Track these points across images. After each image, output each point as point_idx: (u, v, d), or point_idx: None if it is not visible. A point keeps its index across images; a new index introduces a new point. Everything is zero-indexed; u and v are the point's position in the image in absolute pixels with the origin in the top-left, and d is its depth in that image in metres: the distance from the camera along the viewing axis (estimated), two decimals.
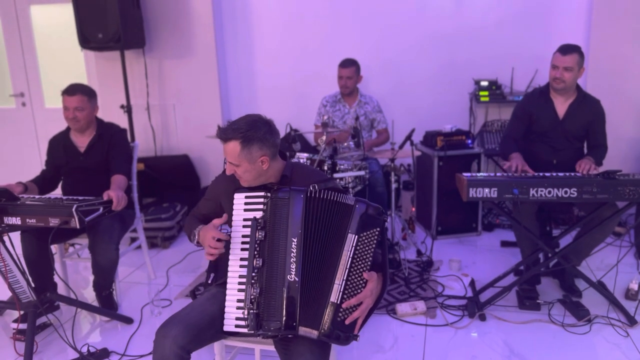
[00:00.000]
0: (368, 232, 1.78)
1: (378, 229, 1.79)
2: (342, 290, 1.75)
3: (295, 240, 1.75)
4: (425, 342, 2.69)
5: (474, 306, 2.92)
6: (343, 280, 1.75)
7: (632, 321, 2.75)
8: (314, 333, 1.74)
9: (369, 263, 1.79)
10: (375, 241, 1.79)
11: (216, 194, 2.06)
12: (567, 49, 2.99)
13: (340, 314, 1.74)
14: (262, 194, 1.83)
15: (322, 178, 2.00)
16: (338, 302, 1.74)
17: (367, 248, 1.77)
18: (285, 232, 1.76)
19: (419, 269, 3.50)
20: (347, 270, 1.75)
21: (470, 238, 4.10)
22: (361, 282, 1.77)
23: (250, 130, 1.82)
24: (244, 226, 1.83)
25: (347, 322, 1.75)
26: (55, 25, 5.16)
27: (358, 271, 1.77)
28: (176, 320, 1.78)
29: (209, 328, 1.81)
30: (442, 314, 2.94)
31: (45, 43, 5.21)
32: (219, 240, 1.81)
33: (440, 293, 3.18)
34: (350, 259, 1.76)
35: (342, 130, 3.89)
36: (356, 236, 1.76)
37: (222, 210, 2.02)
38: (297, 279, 1.72)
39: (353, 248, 1.76)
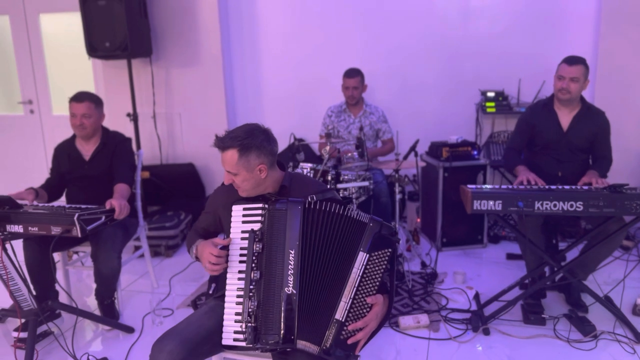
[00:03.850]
0: (380, 252, 1.74)
1: (390, 250, 1.76)
2: (348, 308, 1.71)
3: (292, 252, 1.72)
4: (428, 356, 2.66)
5: (478, 320, 2.89)
6: (350, 298, 1.72)
7: (639, 338, 2.70)
8: (314, 348, 1.71)
9: (378, 283, 1.75)
10: (385, 262, 1.75)
11: (214, 207, 2.06)
12: (573, 60, 2.98)
13: (343, 333, 1.71)
14: (259, 205, 1.82)
15: (321, 189, 1.99)
16: (343, 320, 1.71)
17: (377, 268, 1.74)
18: (283, 244, 1.74)
19: (423, 281, 3.46)
20: (355, 288, 1.72)
21: (475, 250, 4.06)
22: (368, 302, 1.75)
23: (248, 138, 1.82)
24: (242, 238, 1.81)
25: (349, 342, 1.72)
26: (63, 33, 5.21)
27: (366, 291, 1.73)
28: (172, 335, 1.76)
29: (206, 342, 1.79)
30: (446, 328, 2.90)
31: (54, 51, 5.26)
32: (216, 256, 1.80)
33: (444, 306, 3.14)
34: (359, 277, 1.72)
35: (346, 141, 3.88)
36: (367, 255, 1.73)
37: (220, 223, 2.01)
38: (294, 291, 1.70)
39: (363, 267, 1.72)
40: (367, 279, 1.73)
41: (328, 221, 1.76)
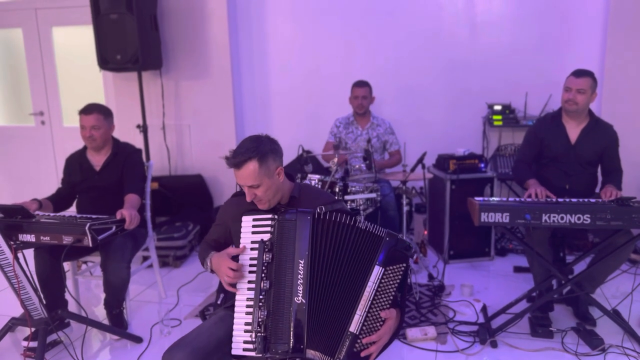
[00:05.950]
0: (394, 267, 1.76)
1: (404, 265, 1.78)
2: (362, 321, 1.73)
3: (302, 261, 1.74)
4: None
5: (486, 332, 2.88)
6: (365, 311, 1.73)
7: None
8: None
9: (392, 298, 1.77)
10: (400, 277, 1.77)
11: (225, 219, 2.08)
12: (580, 73, 3.01)
13: (357, 345, 1.73)
14: (269, 216, 1.84)
15: (330, 200, 2.01)
16: (357, 333, 1.73)
17: (391, 282, 1.76)
18: (293, 253, 1.76)
19: (430, 293, 3.46)
20: (369, 302, 1.73)
21: (482, 263, 4.06)
22: (381, 317, 1.76)
23: (260, 146, 1.85)
24: (252, 249, 1.83)
25: (362, 354, 1.74)
26: (75, 46, 5.28)
27: (380, 305, 1.75)
28: (182, 345, 1.78)
29: (216, 352, 1.80)
30: (453, 340, 2.90)
31: (66, 63, 5.34)
32: (233, 270, 1.80)
33: (451, 318, 3.14)
34: (374, 291, 1.74)
35: (353, 153, 3.90)
36: (383, 269, 1.74)
37: (231, 235, 2.03)
38: (304, 300, 1.72)
39: (378, 281, 1.74)
40: (381, 293, 1.75)
41: (338, 232, 1.78)
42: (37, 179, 5.54)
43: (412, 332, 2.92)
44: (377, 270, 1.74)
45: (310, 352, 1.72)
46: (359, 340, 1.72)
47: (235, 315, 1.81)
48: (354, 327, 1.72)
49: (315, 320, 1.73)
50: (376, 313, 1.75)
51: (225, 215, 2.08)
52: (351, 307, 1.74)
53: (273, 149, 1.88)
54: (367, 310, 1.73)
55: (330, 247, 1.77)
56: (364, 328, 1.73)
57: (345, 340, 1.72)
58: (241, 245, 1.85)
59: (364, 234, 1.78)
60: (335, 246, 1.77)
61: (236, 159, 1.83)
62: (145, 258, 4.01)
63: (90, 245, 2.51)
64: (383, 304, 1.75)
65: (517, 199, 2.82)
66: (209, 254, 1.97)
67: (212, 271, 1.95)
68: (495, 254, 4.12)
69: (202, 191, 4.95)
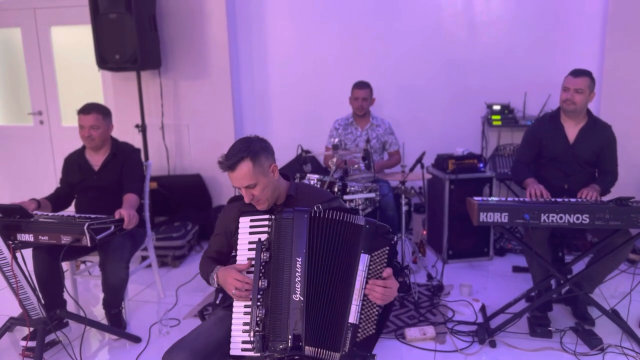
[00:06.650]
0: (379, 252, 1.78)
1: (388, 248, 1.80)
2: (359, 311, 1.75)
3: (300, 259, 1.75)
4: None
5: (484, 332, 2.88)
6: (360, 300, 1.75)
7: None
8: (335, 355, 1.74)
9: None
10: (385, 259, 1.79)
11: (225, 224, 2.06)
12: (578, 73, 3.02)
13: (358, 335, 1.75)
14: (266, 216, 1.85)
15: (327, 198, 2.02)
16: (357, 323, 1.74)
17: (379, 267, 1.78)
18: (290, 252, 1.77)
19: (429, 293, 3.46)
20: (363, 290, 1.75)
21: (481, 263, 4.06)
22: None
23: (251, 145, 1.87)
24: (250, 249, 1.84)
25: (370, 297, 1.75)
26: (74, 45, 5.27)
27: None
28: (182, 346, 1.78)
29: (215, 353, 1.80)
30: (452, 340, 2.90)
31: (64, 63, 5.33)
32: (240, 281, 1.80)
33: (450, 318, 3.14)
34: (365, 279, 1.76)
35: (352, 153, 3.90)
36: (369, 256, 1.77)
37: (232, 239, 2.02)
38: (302, 298, 1.73)
39: (367, 268, 1.76)
40: (372, 278, 1.77)
41: (333, 228, 1.80)
42: (35, 179, 5.54)
43: (411, 332, 2.92)
44: (363, 258, 1.77)
45: (308, 349, 1.72)
46: (359, 330, 1.74)
47: (234, 315, 1.82)
48: (352, 318, 1.74)
49: (313, 317, 1.74)
50: (371, 300, 1.76)
51: (224, 220, 2.07)
52: (346, 299, 1.76)
53: (264, 147, 1.90)
54: (362, 299, 1.75)
55: (326, 244, 1.79)
56: (362, 316, 1.75)
57: (348, 333, 1.74)
58: (239, 248, 1.86)
59: (349, 226, 1.80)
60: (330, 242, 1.79)
61: (229, 161, 1.84)
62: (144, 258, 4.01)
63: (89, 245, 2.50)
64: None
65: (516, 199, 2.82)
66: (214, 269, 1.96)
67: (218, 285, 1.94)
68: (494, 253, 4.12)
69: (201, 191, 4.95)
